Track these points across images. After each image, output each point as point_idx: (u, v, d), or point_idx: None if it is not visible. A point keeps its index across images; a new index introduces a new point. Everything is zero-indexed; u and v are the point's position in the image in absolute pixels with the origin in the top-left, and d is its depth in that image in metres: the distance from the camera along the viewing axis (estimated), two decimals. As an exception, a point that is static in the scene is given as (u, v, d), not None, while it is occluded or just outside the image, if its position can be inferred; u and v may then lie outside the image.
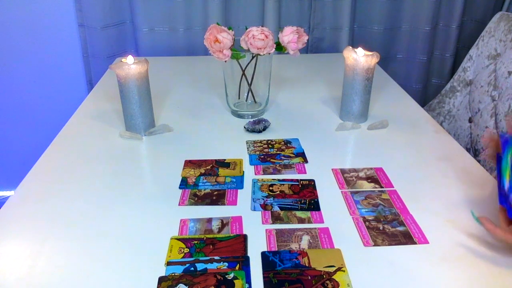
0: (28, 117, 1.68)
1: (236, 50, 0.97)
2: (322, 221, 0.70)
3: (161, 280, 0.58)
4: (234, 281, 0.58)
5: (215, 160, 0.88)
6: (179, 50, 1.55)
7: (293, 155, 0.90)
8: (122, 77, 0.92)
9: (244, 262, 0.61)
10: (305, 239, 0.66)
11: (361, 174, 0.83)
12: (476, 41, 1.34)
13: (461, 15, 1.55)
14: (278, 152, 0.91)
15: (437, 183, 0.80)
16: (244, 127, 1.00)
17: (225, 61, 0.97)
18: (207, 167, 0.85)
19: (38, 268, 0.61)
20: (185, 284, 0.57)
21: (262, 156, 0.89)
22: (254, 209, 0.73)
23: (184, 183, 0.80)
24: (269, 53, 0.96)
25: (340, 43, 1.57)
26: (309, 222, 0.70)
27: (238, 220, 0.70)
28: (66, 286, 0.58)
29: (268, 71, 1.03)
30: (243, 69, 1.01)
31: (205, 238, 0.66)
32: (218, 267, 0.61)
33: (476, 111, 1.26)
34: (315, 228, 0.68)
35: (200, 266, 0.61)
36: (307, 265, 0.61)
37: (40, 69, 1.60)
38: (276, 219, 0.71)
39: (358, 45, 1.00)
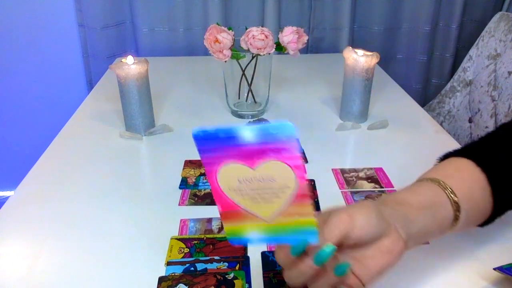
0: (28, 117, 1.68)
1: (236, 50, 0.97)
2: (322, 221, 0.70)
3: (161, 280, 0.58)
4: (234, 281, 0.58)
5: (215, 160, 0.88)
6: (179, 50, 1.55)
7: (293, 155, 0.90)
8: (122, 77, 0.92)
9: (244, 262, 0.61)
10: (305, 239, 0.66)
11: (361, 174, 0.83)
12: (476, 41, 1.35)
13: (461, 15, 1.55)
14: (278, 152, 0.91)
15: (437, 183, 0.80)
16: (244, 127, 1.00)
17: (225, 61, 0.97)
18: (207, 167, 0.85)
19: (38, 268, 0.61)
20: (185, 284, 0.57)
21: (262, 156, 0.89)
22: (254, 209, 0.73)
23: (184, 183, 0.80)
24: (269, 53, 0.95)
25: (340, 43, 1.57)
26: (309, 222, 0.70)
27: (238, 220, 0.70)
28: (66, 286, 0.58)
29: (268, 71, 1.03)
30: (243, 69, 1.01)
31: (205, 238, 0.66)
32: (218, 267, 0.61)
33: (476, 111, 1.26)
34: (315, 228, 0.68)
35: (200, 266, 0.61)
36: (307, 265, 0.61)
37: (40, 69, 1.60)
38: (276, 219, 0.71)
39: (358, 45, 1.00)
